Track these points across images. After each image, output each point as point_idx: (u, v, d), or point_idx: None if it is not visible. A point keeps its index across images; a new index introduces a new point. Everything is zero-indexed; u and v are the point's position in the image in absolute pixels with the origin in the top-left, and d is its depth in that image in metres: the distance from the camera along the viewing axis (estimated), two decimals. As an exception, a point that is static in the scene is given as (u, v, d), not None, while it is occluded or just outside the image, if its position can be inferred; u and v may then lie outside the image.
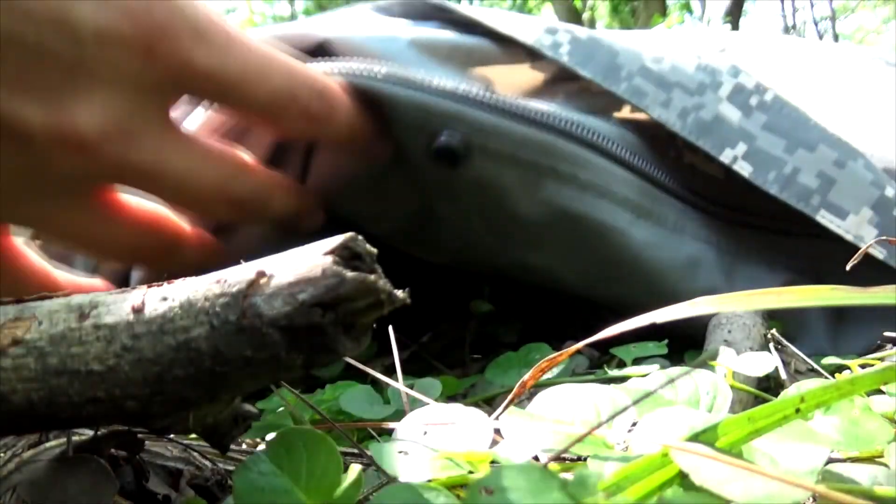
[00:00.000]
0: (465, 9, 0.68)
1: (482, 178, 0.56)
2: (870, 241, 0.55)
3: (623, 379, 0.42)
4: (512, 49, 0.64)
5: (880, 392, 0.35)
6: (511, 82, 0.66)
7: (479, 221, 0.59)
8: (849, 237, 0.55)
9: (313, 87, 0.51)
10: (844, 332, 0.60)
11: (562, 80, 0.63)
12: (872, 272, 0.51)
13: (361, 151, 0.57)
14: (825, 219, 0.56)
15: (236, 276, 0.24)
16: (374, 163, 0.59)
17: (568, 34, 0.62)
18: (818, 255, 0.59)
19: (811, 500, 0.26)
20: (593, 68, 0.60)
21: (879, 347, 0.57)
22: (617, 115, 0.62)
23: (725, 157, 0.57)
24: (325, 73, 0.54)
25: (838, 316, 0.60)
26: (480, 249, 0.61)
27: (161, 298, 0.25)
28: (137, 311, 0.25)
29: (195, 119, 0.59)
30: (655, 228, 0.59)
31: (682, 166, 0.61)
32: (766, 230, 0.62)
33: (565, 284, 0.61)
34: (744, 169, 0.57)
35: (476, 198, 0.57)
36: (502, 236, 0.59)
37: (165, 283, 0.26)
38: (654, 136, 0.60)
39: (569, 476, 0.22)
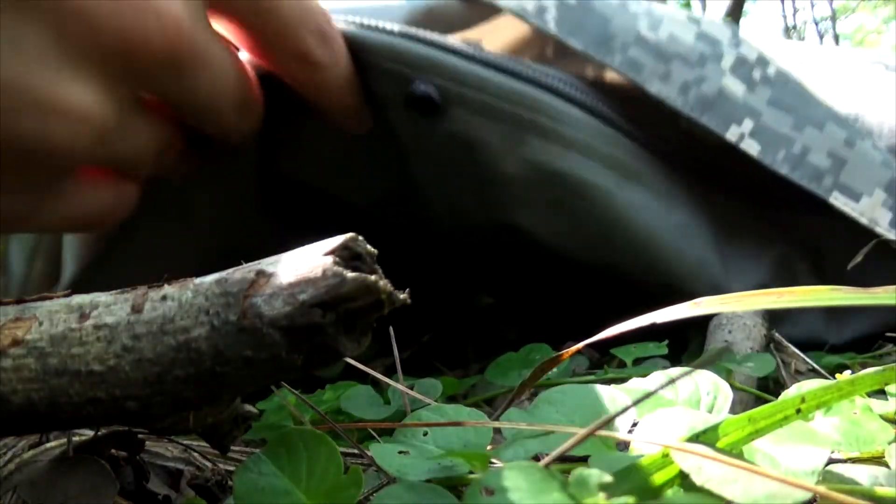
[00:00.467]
0: None
1: (461, 134, 0.54)
2: (884, 224, 0.53)
3: (623, 379, 0.42)
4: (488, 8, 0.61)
5: (881, 392, 0.35)
6: (495, 39, 0.64)
7: (460, 182, 0.57)
8: (864, 220, 0.54)
9: (319, 25, 0.50)
10: (839, 316, 0.59)
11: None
12: (875, 253, 0.51)
13: (346, 119, 0.56)
14: (839, 201, 0.54)
15: (237, 275, 0.24)
16: (355, 131, 0.57)
17: None
18: (819, 228, 0.58)
19: (812, 500, 0.26)
20: (584, 38, 0.57)
21: (880, 347, 0.57)
22: (608, 79, 0.59)
23: (732, 135, 0.55)
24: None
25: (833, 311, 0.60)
26: (464, 213, 0.58)
27: (161, 298, 0.25)
28: (138, 311, 0.25)
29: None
30: (643, 192, 0.57)
31: (678, 131, 0.59)
32: (762, 202, 0.61)
33: (554, 249, 0.59)
34: (751, 147, 0.55)
35: (456, 156, 0.55)
36: (485, 197, 0.57)
37: (166, 283, 0.26)
38: (646, 101, 0.57)
39: (569, 476, 0.22)
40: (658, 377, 0.37)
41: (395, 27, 0.53)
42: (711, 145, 0.58)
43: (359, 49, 0.53)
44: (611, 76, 0.59)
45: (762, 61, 0.58)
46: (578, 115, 0.55)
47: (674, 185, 0.58)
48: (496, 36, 0.63)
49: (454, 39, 0.54)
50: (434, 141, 0.54)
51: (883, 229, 0.53)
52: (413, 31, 0.53)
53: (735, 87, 0.56)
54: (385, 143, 0.56)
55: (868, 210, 0.54)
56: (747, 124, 0.55)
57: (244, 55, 0.51)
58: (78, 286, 0.51)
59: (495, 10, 0.62)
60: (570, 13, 0.58)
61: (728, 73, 0.57)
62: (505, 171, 0.55)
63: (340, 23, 0.53)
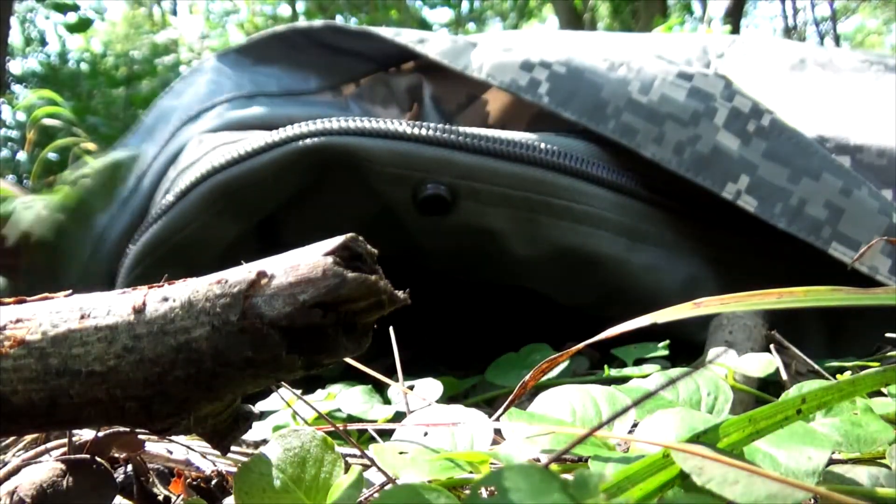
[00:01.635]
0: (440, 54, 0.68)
1: (472, 223, 0.55)
2: (884, 271, 0.53)
3: (624, 380, 0.42)
4: None
5: (881, 393, 0.35)
6: (497, 99, 0.66)
7: (472, 262, 0.58)
8: (863, 269, 0.54)
9: None
10: (842, 346, 0.60)
11: None
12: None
13: None
14: (837, 251, 0.54)
15: (237, 276, 0.24)
16: None
17: (545, 70, 0.60)
18: (816, 259, 0.59)
19: (812, 500, 0.26)
20: (577, 107, 0.58)
21: (879, 349, 0.56)
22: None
23: (728, 193, 0.56)
24: (297, 134, 0.54)
25: (836, 329, 0.60)
26: (474, 275, 0.61)
27: (162, 299, 0.25)
28: (138, 311, 0.25)
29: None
30: (652, 252, 0.58)
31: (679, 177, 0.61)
32: (764, 241, 0.62)
33: (566, 305, 0.61)
34: (749, 204, 0.55)
35: (467, 242, 0.56)
36: (499, 272, 0.59)
37: (166, 284, 0.26)
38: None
39: (570, 477, 0.22)
40: (658, 378, 0.37)
41: (400, 127, 0.53)
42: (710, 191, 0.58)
43: (361, 159, 0.53)
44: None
45: (756, 112, 0.58)
46: (587, 188, 0.56)
47: (680, 237, 0.60)
48: (493, 101, 0.65)
49: (462, 131, 0.54)
50: (445, 232, 0.55)
51: (883, 276, 0.53)
52: (418, 131, 0.53)
53: (729, 142, 0.57)
54: (391, 225, 0.57)
55: (867, 258, 0.54)
56: (743, 180, 0.56)
57: None
58: None
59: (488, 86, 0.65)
60: (562, 83, 0.60)
61: (722, 129, 0.57)
62: (518, 252, 0.56)
63: (337, 129, 0.53)
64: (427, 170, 0.53)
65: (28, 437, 0.37)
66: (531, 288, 0.60)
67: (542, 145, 0.56)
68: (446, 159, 0.53)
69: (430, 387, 0.46)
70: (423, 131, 0.53)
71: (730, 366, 0.42)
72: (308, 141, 0.53)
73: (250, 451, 0.39)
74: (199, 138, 0.64)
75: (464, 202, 0.54)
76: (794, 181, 0.56)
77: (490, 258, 0.57)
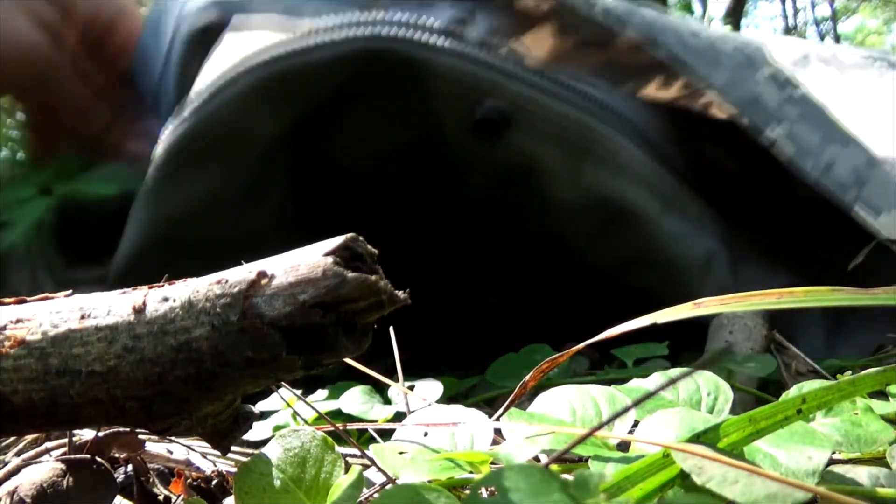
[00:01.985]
0: None
1: (522, 158, 0.56)
2: None
3: (624, 380, 0.42)
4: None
5: (881, 393, 0.35)
6: (540, 48, 0.65)
7: (509, 196, 0.59)
8: (883, 234, 0.55)
9: None
10: (840, 341, 0.60)
11: (589, 47, 0.63)
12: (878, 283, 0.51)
13: None
14: (861, 212, 0.55)
15: (237, 276, 0.24)
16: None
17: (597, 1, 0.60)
18: (820, 259, 0.59)
19: (813, 501, 0.26)
20: (633, 27, 0.58)
21: (880, 349, 0.57)
22: (644, 91, 0.61)
23: (770, 132, 0.57)
24: (361, 36, 0.53)
25: (835, 323, 0.61)
26: (508, 218, 0.61)
27: (162, 299, 0.25)
28: (138, 311, 0.25)
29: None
30: (681, 221, 0.60)
31: (703, 158, 0.62)
32: (772, 231, 0.63)
33: (591, 265, 0.61)
34: (787, 148, 0.56)
35: (512, 178, 0.57)
36: (533, 214, 0.59)
37: (166, 284, 0.26)
38: (679, 122, 0.60)
39: (570, 477, 0.22)
40: (658, 378, 0.37)
41: (463, 48, 0.54)
42: (731, 173, 0.60)
43: (422, 70, 0.53)
44: (646, 93, 0.60)
45: (791, 83, 0.60)
46: (628, 145, 0.58)
47: (703, 214, 0.61)
48: (536, 49, 0.64)
49: (525, 65, 0.55)
50: (492, 163, 0.56)
51: None
52: (478, 53, 0.54)
53: (769, 96, 0.58)
54: (435, 153, 0.57)
55: (886, 226, 0.55)
56: (784, 126, 0.57)
57: None
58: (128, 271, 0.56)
59: (535, 21, 0.64)
60: (615, 10, 0.60)
61: (763, 84, 0.59)
62: (558, 195, 0.57)
63: (404, 37, 0.53)
64: (485, 91, 0.54)
65: (28, 437, 0.37)
66: (562, 239, 0.60)
67: (597, 94, 0.57)
68: (503, 84, 0.54)
69: (430, 387, 0.46)
70: (478, 53, 0.54)
71: (730, 366, 0.42)
72: (371, 45, 0.53)
73: (250, 451, 0.39)
74: (237, 21, 0.61)
75: (516, 133, 0.55)
76: (824, 144, 0.57)
77: (528, 199, 0.58)
